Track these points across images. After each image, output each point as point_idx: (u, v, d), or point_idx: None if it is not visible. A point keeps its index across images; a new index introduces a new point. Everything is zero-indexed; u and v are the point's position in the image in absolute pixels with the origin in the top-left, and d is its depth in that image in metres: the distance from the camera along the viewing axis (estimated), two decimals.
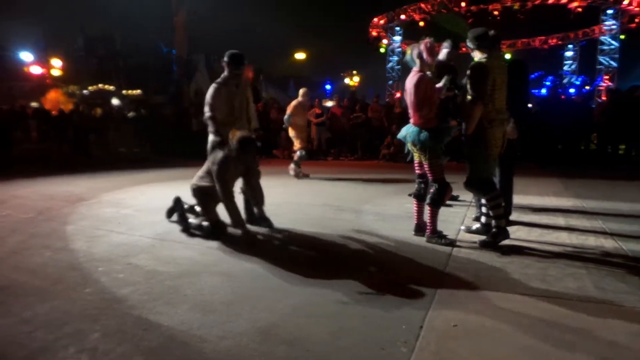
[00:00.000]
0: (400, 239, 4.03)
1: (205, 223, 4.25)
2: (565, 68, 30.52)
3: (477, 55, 3.84)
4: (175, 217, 4.58)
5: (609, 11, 25.88)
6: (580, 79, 26.99)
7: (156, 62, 27.25)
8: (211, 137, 4.45)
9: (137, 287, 2.93)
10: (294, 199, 5.98)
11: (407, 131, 3.95)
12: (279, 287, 2.96)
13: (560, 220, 4.70)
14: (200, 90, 16.83)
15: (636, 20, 26.06)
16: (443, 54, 4.75)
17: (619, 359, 2.07)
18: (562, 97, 11.53)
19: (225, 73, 4.57)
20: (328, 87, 29.23)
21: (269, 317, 2.51)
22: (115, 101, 11.32)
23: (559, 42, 30.47)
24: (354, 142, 12.04)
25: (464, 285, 2.98)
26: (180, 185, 6.92)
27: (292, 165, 8.07)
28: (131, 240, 4.03)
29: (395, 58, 28.45)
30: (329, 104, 18.80)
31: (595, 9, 25.91)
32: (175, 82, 16.15)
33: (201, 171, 4.29)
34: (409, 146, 4.04)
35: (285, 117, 7.87)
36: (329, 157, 11.99)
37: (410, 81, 3.84)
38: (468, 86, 3.76)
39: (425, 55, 3.78)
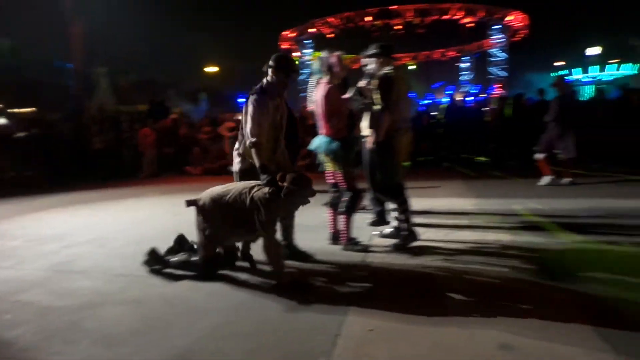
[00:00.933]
0: (317, 249, 4.05)
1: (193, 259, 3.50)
2: (463, 78, 33.19)
3: (382, 67, 4.01)
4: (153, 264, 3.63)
5: (496, 26, 28.70)
6: (477, 87, 29.58)
7: (50, 76, 25.11)
8: (238, 165, 3.67)
9: (29, 327, 2.63)
10: None
11: (319, 142, 4.01)
12: (194, 309, 2.82)
13: (464, 219, 5.03)
14: (102, 106, 15.77)
15: (520, 33, 29.22)
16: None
17: (519, 344, 2.23)
18: (470, 105, 12.48)
19: (269, 80, 3.62)
20: (241, 100, 28.99)
21: (184, 342, 2.38)
22: (1, 120, 10.12)
23: (457, 54, 33.14)
24: None
25: (378, 289, 3.07)
26: (78, 211, 6.42)
27: None
28: (20, 274, 3.62)
29: (308, 71, 29.03)
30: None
31: (484, 25, 28.60)
32: (73, 97, 14.95)
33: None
34: (321, 157, 4.10)
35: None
36: None
37: (319, 92, 3.92)
38: (376, 96, 3.92)
39: (335, 68, 3.88)
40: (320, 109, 3.90)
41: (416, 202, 5.61)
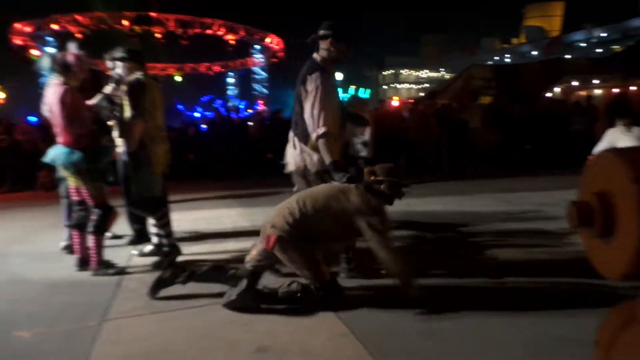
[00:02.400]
0: (59, 280, 3.44)
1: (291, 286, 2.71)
2: (229, 93, 34.29)
3: (132, 73, 3.69)
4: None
5: (257, 46, 30.71)
6: (243, 102, 31.03)
7: None
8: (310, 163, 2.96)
9: None
10: None
11: (55, 153, 3.41)
12: None
13: (229, 228, 5.07)
14: None
15: (277, 55, 31.96)
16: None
17: (275, 344, 2.30)
18: (233, 118, 12.73)
19: (324, 55, 2.98)
20: None
21: None
22: None
23: (222, 70, 34.01)
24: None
25: (133, 313, 2.76)
26: None
27: None
28: None
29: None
30: None
31: (246, 43, 30.25)
32: None
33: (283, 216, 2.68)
34: (60, 170, 3.50)
35: None
36: None
37: (54, 95, 3.34)
38: (127, 103, 3.57)
39: (73, 68, 3.37)
40: (56, 115, 3.33)
41: (180, 216, 5.43)
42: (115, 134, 3.85)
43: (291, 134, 3.17)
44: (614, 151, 0.59)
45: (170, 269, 2.97)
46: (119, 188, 4.31)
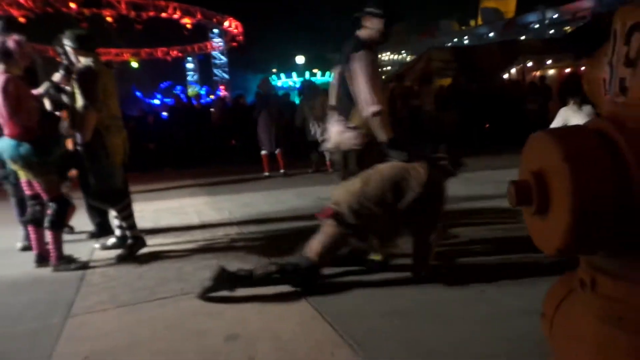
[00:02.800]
0: (19, 278, 3.32)
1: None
2: (189, 79, 33.40)
3: (82, 59, 3.55)
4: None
5: (215, 30, 29.93)
6: (204, 88, 30.31)
7: None
8: (351, 142, 2.96)
9: None
10: None
11: (1, 146, 3.25)
12: None
13: (194, 218, 5.01)
14: None
15: (238, 39, 31.29)
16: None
17: (244, 332, 2.32)
18: (194, 105, 12.41)
19: (370, 33, 2.95)
20: None
21: None
22: None
23: (180, 55, 33.00)
24: None
25: (98, 308, 2.70)
26: None
27: None
28: None
29: None
30: None
31: (204, 27, 29.43)
32: None
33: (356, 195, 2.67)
34: (8, 164, 3.35)
35: None
36: None
37: None
38: (78, 92, 3.43)
39: (15, 55, 3.20)
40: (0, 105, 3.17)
41: (143, 207, 5.33)
42: (65, 124, 3.71)
43: (332, 112, 3.16)
44: (547, 131, 0.63)
45: (225, 271, 2.75)
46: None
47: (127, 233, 3.73)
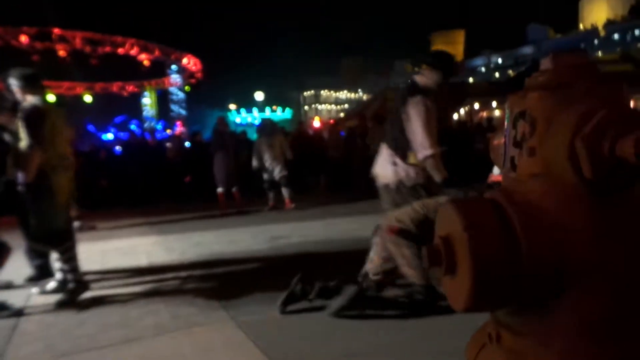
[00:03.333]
0: None
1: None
2: (145, 113, 32.93)
3: (28, 98, 3.47)
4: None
5: (174, 66, 29.93)
6: (160, 123, 29.92)
7: None
8: (413, 177, 3.14)
9: None
10: None
11: None
12: None
13: (143, 259, 4.85)
14: None
15: (196, 75, 31.36)
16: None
17: None
18: (148, 140, 12.21)
19: (426, 81, 3.15)
20: None
21: None
22: None
23: (136, 89, 32.60)
24: None
25: (32, 359, 2.54)
26: None
27: None
28: None
29: None
30: None
31: (162, 63, 29.36)
32: None
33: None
34: None
35: None
36: None
37: None
38: (23, 131, 3.33)
39: None
40: None
41: (88, 247, 5.11)
42: (8, 162, 3.57)
43: (386, 150, 3.30)
44: (451, 201, 0.70)
45: (300, 284, 3.00)
46: (13, 219, 3.98)
47: (69, 276, 3.55)
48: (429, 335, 2.56)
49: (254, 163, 7.73)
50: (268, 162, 7.62)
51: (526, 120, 0.69)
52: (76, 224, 6.58)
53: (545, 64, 0.72)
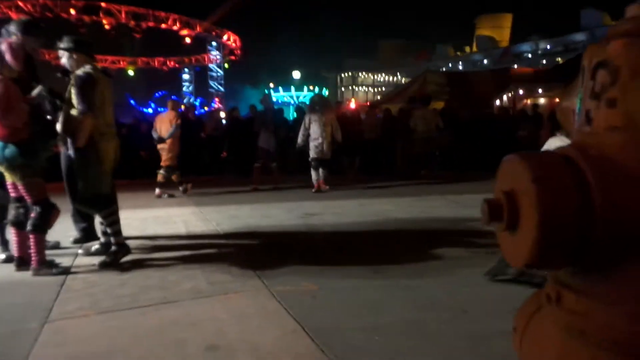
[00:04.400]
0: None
1: None
2: (184, 89, 33.50)
3: (73, 64, 3.58)
4: None
5: (213, 43, 30.18)
6: (199, 100, 30.40)
7: None
8: None
9: None
10: None
11: None
12: None
13: (181, 227, 4.99)
14: None
15: (236, 52, 31.58)
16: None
17: (224, 343, 2.30)
18: (186, 115, 12.41)
19: None
20: None
21: None
22: None
23: (177, 65, 33.15)
24: None
25: (78, 314, 2.67)
26: None
27: None
28: None
29: None
30: None
31: (203, 40, 29.66)
32: None
33: None
34: None
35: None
36: None
37: None
38: (75, 97, 3.45)
39: (8, 57, 3.22)
40: None
41: (129, 214, 5.30)
42: (58, 128, 3.71)
43: None
44: (519, 154, 0.67)
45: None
46: (61, 184, 4.16)
47: (112, 240, 3.70)
48: (465, 314, 2.53)
49: (300, 140, 7.45)
50: (319, 140, 7.28)
51: (608, 69, 0.65)
52: (181, 188, 7.35)
53: (632, 10, 0.66)
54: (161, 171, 7.23)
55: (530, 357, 0.72)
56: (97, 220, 3.96)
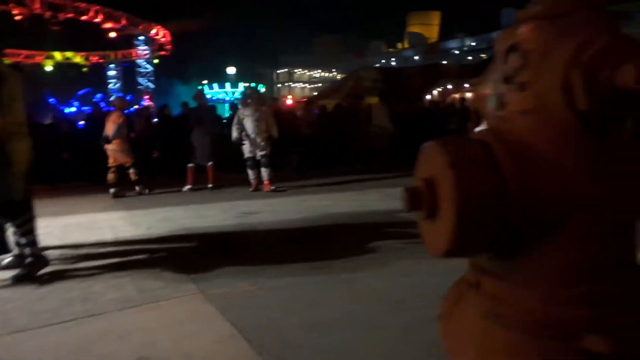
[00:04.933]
0: None
1: None
2: (111, 86, 31.71)
3: None
4: None
5: (141, 37, 28.78)
6: (128, 97, 28.84)
7: None
8: None
9: None
10: None
11: None
12: None
13: (107, 233, 4.68)
14: None
15: (166, 48, 30.32)
16: None
17: (155, 354, 2.17)
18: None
19: None
20: None
21: None
22: None
23: (101, 61, 31.25)
24: None
25: None
26: None
27: None
28: None
29: None
30: None
31: (130, 34, 28.18)
32: None
33: None
34: None
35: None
36: None
37: None
38: None
39: None
40: None
41: (50, 221, 4.90)
42: None
43: None
44: (437, 141, 0.65)
45: None
46: None
47: (26, 251, 3.39)
48: (402, 304, 2.57)
49: (234, 134, 7.12)
50: (252, 137, 7.03)
51: (519, 53, 0.64)
52: (137, 188, 7.19)
53: None
54: (131, 170, 7.22)
55: (454, 342, 0.71)
56: (10, 230, 3.60)
